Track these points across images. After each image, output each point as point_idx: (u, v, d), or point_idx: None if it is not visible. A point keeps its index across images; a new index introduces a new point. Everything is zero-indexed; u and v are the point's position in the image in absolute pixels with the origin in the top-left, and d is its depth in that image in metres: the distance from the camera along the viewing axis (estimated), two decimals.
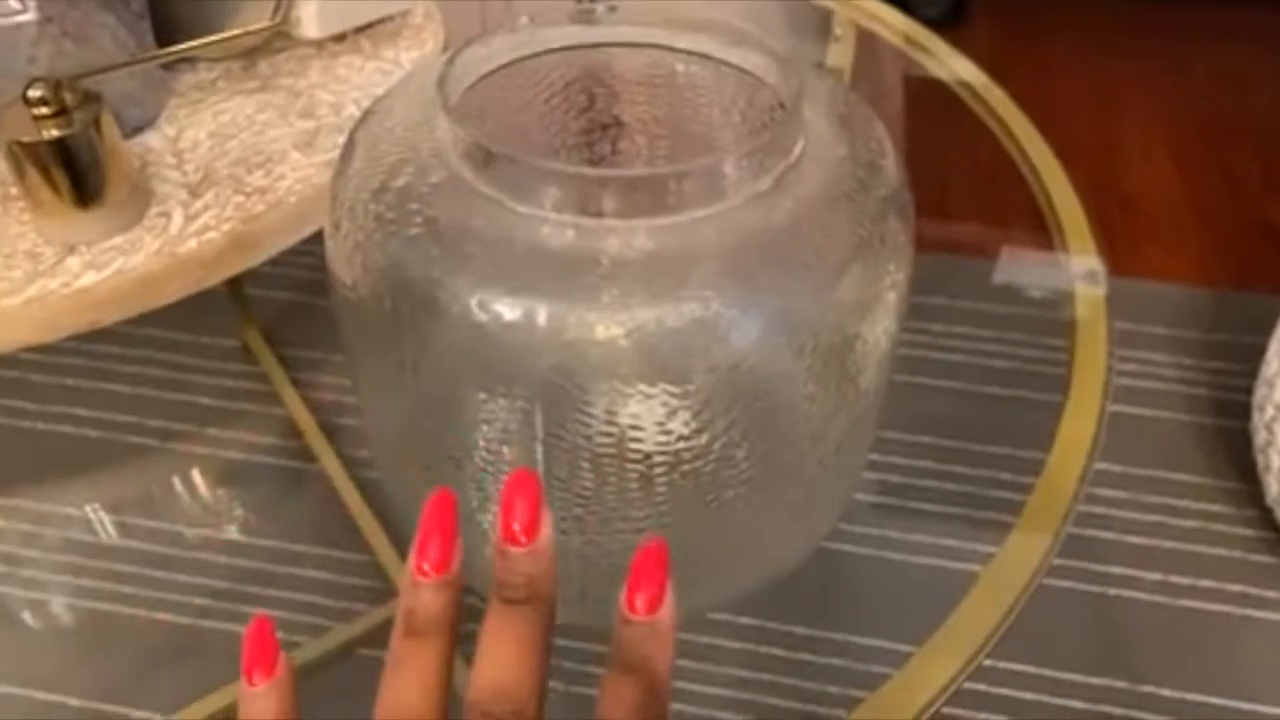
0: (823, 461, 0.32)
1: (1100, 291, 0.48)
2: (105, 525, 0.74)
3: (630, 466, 0.29)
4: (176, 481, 0.76)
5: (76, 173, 0.40)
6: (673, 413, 0.29)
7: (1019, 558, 0.42)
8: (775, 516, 0.33)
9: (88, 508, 0.75)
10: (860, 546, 0.76)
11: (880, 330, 0.32)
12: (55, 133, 0.39)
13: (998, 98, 0.57)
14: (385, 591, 0.71)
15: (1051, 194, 0.52)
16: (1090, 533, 0.76)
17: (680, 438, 0.29)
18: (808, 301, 0.30)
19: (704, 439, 0.29)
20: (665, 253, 0.28)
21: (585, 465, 0.29)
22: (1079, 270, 0.49)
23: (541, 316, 0.27)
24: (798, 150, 0.31)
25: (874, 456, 0.84)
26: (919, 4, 1.24)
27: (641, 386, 0.28)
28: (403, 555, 0.71)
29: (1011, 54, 1.21)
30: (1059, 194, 0.52)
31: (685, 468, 0.30)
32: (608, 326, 0.28)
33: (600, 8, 0.37)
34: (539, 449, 0.29)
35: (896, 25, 0.66)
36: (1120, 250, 0.96)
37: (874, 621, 0.72)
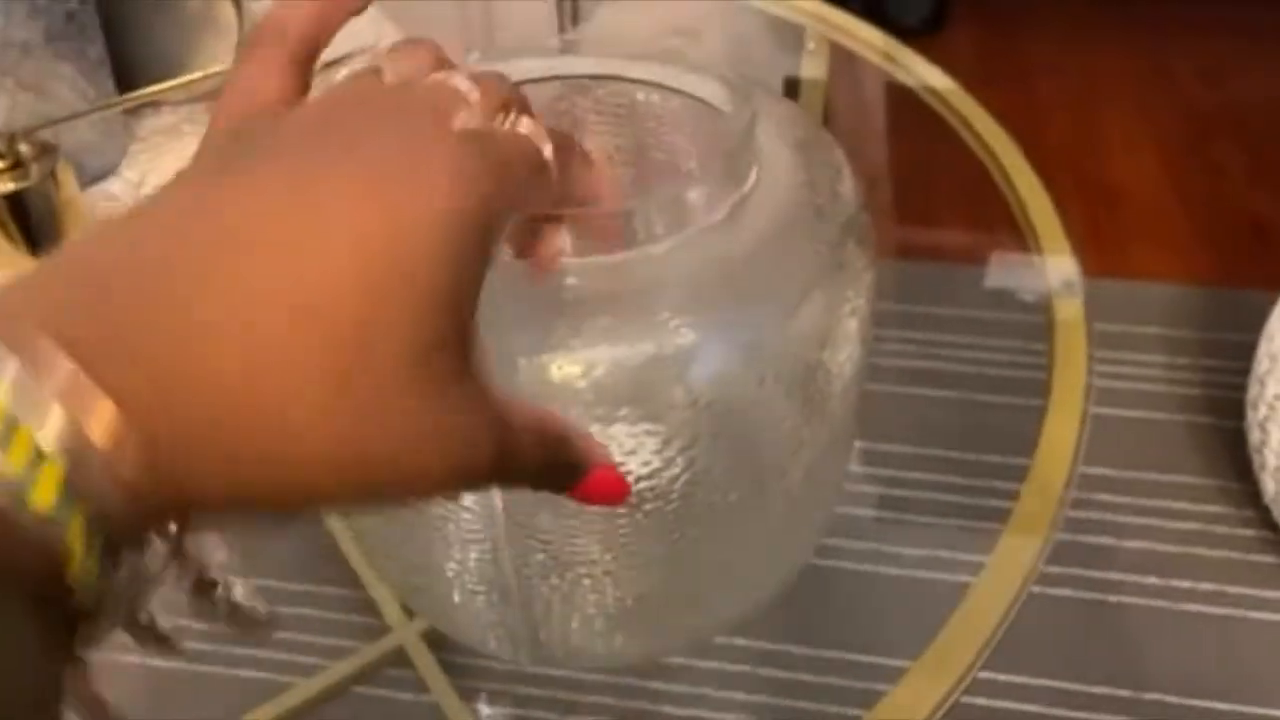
0: (790, 493, 0.32)
1: (1077, 301, 0.47)
2: None
3: (591, 509, 0.29)
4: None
5: (32, 225, 0.40)
6: (632, 452, 0.28)
7: (1008, 567, 0.41)
8: (745, 550, 0.32)
9: None
10: (858, 563, 0.76)
11: (844, 358, 0.31)
12: (11, 186, 0.39)
13: (971, 108, 0.56)
14: (378, 628, 0.71)
15: (1028, 206, 0.52)
16: (1088, 539, 0.76)
17: (640, 477, 0.29)
18: (767, 332, 0.29)
19: (665, 477, 0.29)
20: (620, 289, 0.28)
21: (544, 509, 0.29)
22: (1055, 280, 0.48)
23: (494, 357, 0.27)
24: (753, 179, 0.30)
25: (869, 470, 0.84)
26: (899, 12, 1.24)
27: (598, 426, 0.28)
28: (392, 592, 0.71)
29: (994, 58, 1.21)
30: (1035, 206, 0.51)
31: (648, 506, 0.29)
32: (562, 366, 0.27)
33: (554, 41, 0.37)
34: (496, 494, 0.28)
35: (866, 36, 0.65)
36: (1109, 251, 0.96)
37: (874, 638, 0.71)
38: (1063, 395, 0.46)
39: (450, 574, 0.30)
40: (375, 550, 0.35)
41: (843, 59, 0.69)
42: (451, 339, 0.17)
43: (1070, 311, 0.48)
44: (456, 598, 0.31)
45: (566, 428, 0.21)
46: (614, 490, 0.22)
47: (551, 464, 0.21)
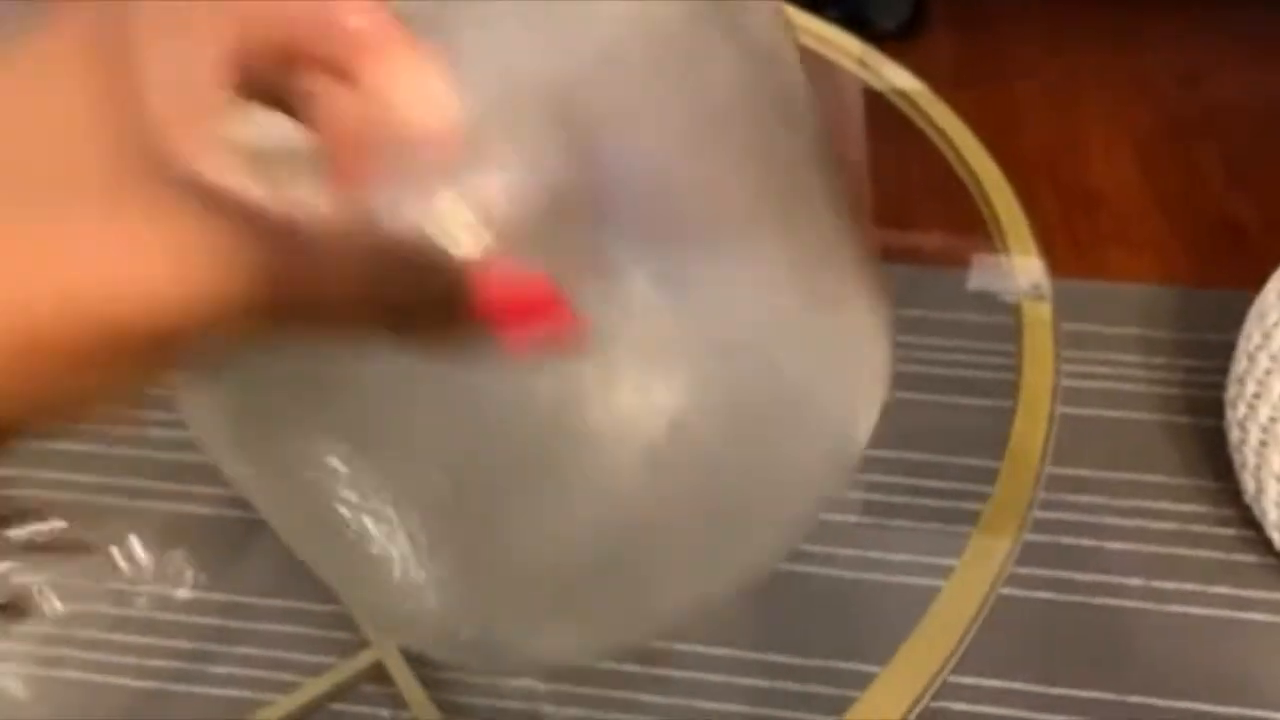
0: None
1: (1045, 302, 0.47)
2: (55, 590, 0.72)
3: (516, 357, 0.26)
4: (133, 540, 0.75)
5: None
6: None
7: (977, 569, 0.41)
8: (683, 540, 0.31)
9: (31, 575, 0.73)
10: (842, 569, 0.75)
11: None
12: None
13: (940, 111, 0.56)
14: (354, 643, 0.70)
15: (996, 208, 0.51)
16: (1069, 540, 0.75)
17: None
18: None
19: None
20: None
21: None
22: (1023, 282, 0.48)
23: None
24: None
25: (858, 476, 0.83)
26: (877, 16, 1.24)
27: None
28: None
29: (972, 62, 1.21)
30: (1003, 208, 0.51)
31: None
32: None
33: None
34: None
35: (838, 41, 0.65)
36: (1087, 253, 0.96)
37: (857, 644, 0.71)
38: (1031, 397, 0.46)
39: (373, 569, 0.29)
40: (311, 560, 0.34)
41: (815, 63, 0.69)
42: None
43: (1037, 313, 0.47)
44: (383, 593, 0.29)
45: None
46: (542, 304, 0.16)
47: (410, 273, 0.15)
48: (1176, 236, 0.96)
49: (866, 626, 0.73)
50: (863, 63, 0.64)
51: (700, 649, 0.71)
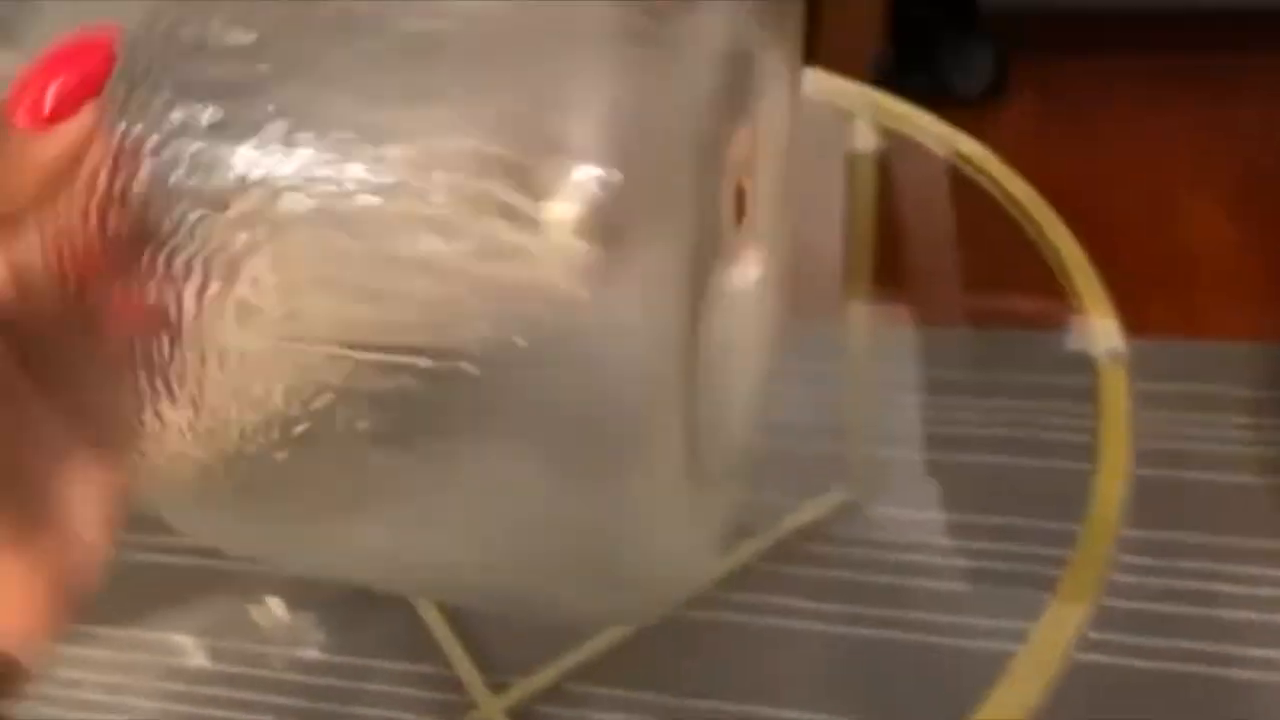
0: None
1: (1121, 368, 0.48)
2: (202, 650, 0.77)
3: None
4: (263, 603, 0.79)
5: None
6: None
7: (1049, 636, 0.41)
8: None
9: (181, 635, 0.78)
10: (941, 636, 0.74)
11: None
12: None
13: (1004, 173, 0.58)
14: (463, 704, 0.73)
15: (1072, 274, 0.52)
16: (1175, 609, 0.73)
17: None
18: None
19: None
20: None
21: None
22: (1101, 347, 0.49)
23: None
24: None
25: (950, 542, 0.82)
26: (961, 83, 1.25)
27: None
28: (479, 667, 0.73)
29: (1058, 123, 1.21)
30: (1079, 274, 0.52)
31: None
32: None
33: None
34: None
35: (908, 115, 0.67)
36: (1186, 312, 0.94)
37: (954, 712, 0.70)
38: (1108, 461, 0.46)
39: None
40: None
41: (894, 140, 0.71)
42: None
43: (1114, 377, 0.48)
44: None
45: None
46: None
47: None
48: (1273, 292, 0.93)
49: (960, 693, 0.72)
50: (937, 135, 0.65)
51: (797, 714, 0.71)
